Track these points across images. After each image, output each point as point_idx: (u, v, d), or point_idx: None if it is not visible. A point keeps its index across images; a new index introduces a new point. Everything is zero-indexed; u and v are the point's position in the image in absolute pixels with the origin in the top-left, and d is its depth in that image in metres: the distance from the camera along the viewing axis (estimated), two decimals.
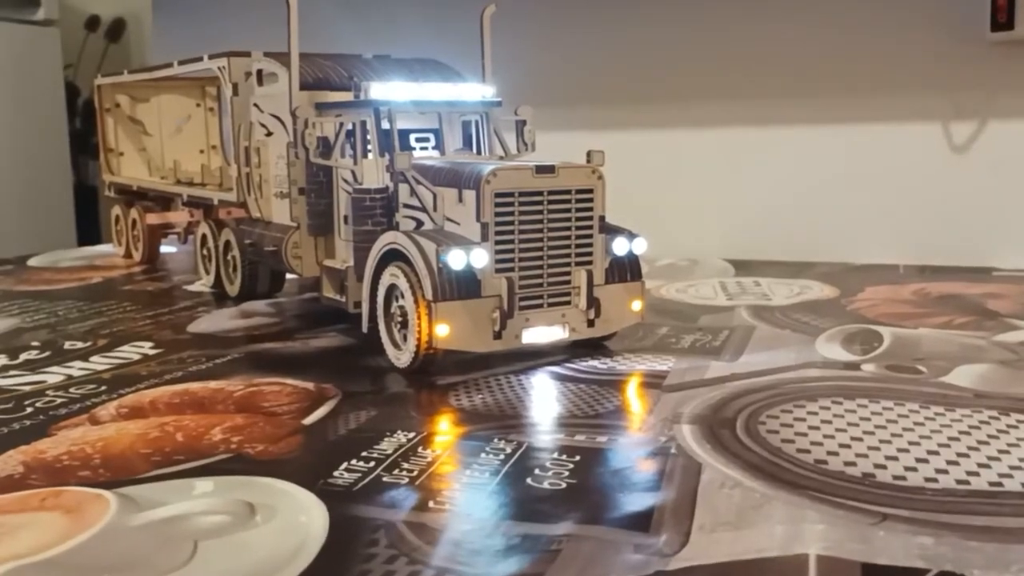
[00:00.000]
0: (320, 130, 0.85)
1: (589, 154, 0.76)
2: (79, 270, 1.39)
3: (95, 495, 0.51)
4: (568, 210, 0.75)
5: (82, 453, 0.58)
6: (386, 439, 0.59)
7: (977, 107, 1.28)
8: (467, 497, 0.50)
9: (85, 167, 2.27)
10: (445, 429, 0.61)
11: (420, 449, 0.57)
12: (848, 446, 0.57)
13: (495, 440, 0.59)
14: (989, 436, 0.58)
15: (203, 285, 1.16)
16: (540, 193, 0.73)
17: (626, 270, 0.78)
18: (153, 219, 1.32)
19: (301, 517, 0.48)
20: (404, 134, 0.85)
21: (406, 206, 0.80)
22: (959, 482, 0.51)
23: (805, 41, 1.35)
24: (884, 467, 0.53)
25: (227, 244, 1.09)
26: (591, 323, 0.76)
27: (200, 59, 1.12)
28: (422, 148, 0.88)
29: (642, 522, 0.47)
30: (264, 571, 0.42)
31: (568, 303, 0.75)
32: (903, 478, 0.52)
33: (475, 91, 0.88)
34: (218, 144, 1.48)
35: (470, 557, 0.43)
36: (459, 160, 0.81)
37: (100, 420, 0.65)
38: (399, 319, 0.74)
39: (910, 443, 0.57)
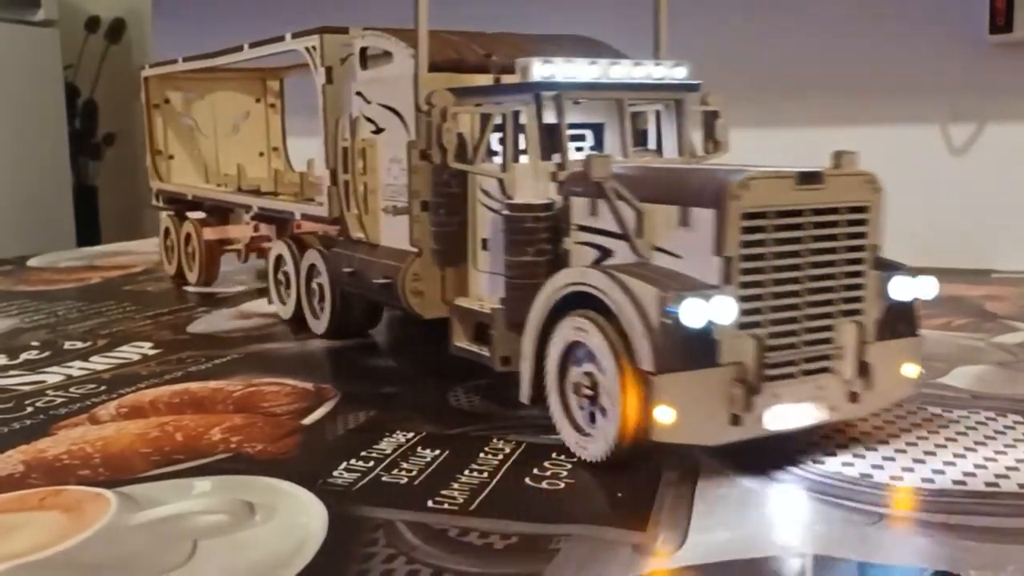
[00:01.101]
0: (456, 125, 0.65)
1: (838, 156, 0.55)
2: (79, 270, 1.39)
3: (95, 494, 0.51)
4: (835, 236, 0.54)
5: (82, 452, 0.58)
6: (385, 439, 0.59)
7: (976, 109, 1.29)
8: (466, 497, 0.50)
9: (85, 168, 2.27)
10: (444, 429, 0.62)
11: (419, 449, 0.58)
12: (845, 447, 0.57)
13: (494, 440, 0.59)
14: (986, 437, 0.58)
15: (279, 313, 0.97)
16: (800, 213, 0.52)
17: (901, 321, 0.57)
18: (211, 234, 1.15)
19: (300, 517, 0.48)
20: (550, 131, 0.63)
21: (583, 228, 0.59)
22: (956, 483, 0.51)
23: (802, 43, 1.36)
24: (881, 467, 0.53)
25: (312, 269, 0.89)
26: (855, 397, 0.55)
27: (280, 39, 0.92)
28: (577, 149, 0.68)
29: (640, 521, 0.47)
30: (263, 570, 0.43)
31: (827, 370, 0.54)
32: (900, 478, 0.52)
33: (663, 72, 0.67)
34: (280, 146, 1.32)
35: (469, 556, 0.44)
36: (677, 166, 0.63)
37: (100, 420, 0.65)
38: (586, 391, 0.54)
39: (907, 444, 0.57)
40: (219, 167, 1.27)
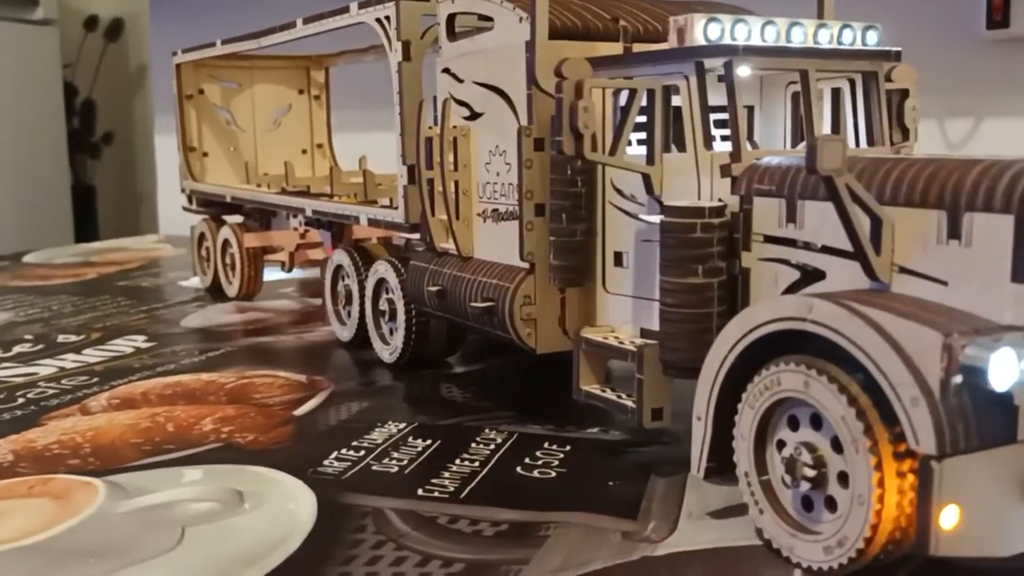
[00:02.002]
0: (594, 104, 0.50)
1: None
2: (74, 266, 1.39)
3: (84, 482, 0.51)
4: None
5: (72, 442, 0.58)
6: (377, 429, 0.59)
7: (973, 104, 1.28)
8: (456, 485, 0.50)
9: (83, 166, 2.27)
10: (436, 419, 0.61)
11: (411, 439, 0.57)
12: None
13: (486, 430, 0.59)
14: None
15: (342, 336, 0.83)
16: None
17: None
18: (252, 241, 1.01)
19: (289, 504, 0.48)
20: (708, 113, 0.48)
21: (771, 239, 0.45)
22: None
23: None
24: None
25: (380, 284, 0.75)
26: None
27: (345, 10, 0.77)
28: (722, 139, 0.50)
29: (631, 509, 0.47)
30: (251, 556, 0.42)
31: None
32: None
33: (853, 35, 0.53)
34: (325, 142, 1.19)
35: (458, 542, 0.43)
36: (927, 156, 0.42)
37: (91, 411, 0.65)
38: (807, 471, 0.39)
39: None
40: (258, 166, 1.15)
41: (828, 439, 0.39)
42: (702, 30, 0.47)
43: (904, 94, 0.57)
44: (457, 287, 0.62)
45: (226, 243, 1.06)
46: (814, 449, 0.39)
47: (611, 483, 0.50)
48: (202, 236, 1.12)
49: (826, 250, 0.43)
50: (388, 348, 0.75)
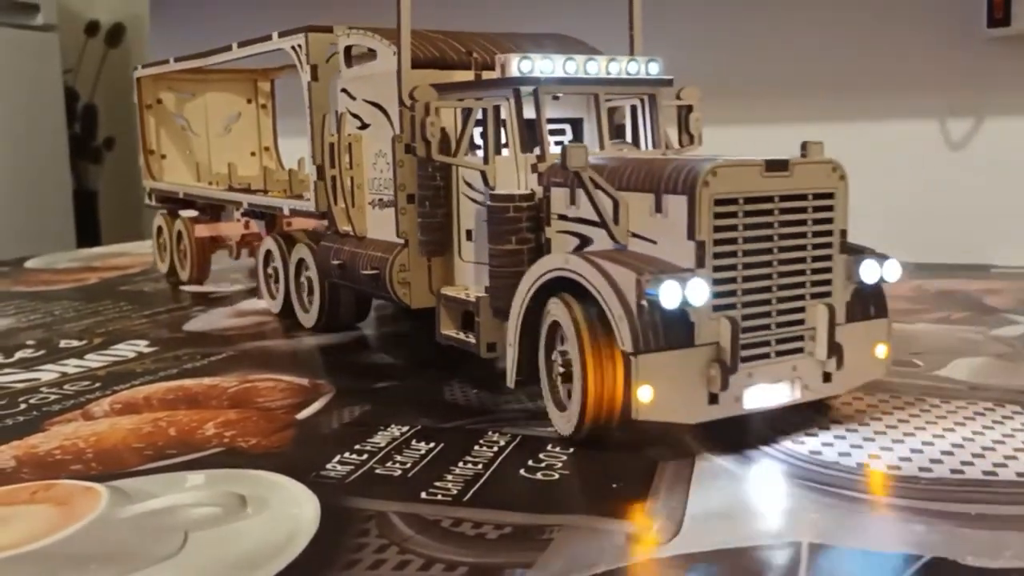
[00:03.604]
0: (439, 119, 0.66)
1: (805, 146, 0.57)
2: (76, 271, 1.39)
3: (86, 488, 0.51)
4: (803, 222, 0.55)
5: (74, 448, 0.58)
6: (379, 433, 0.59)
7: (974, 104, 1.28)
8: (459, 488, 0.50)
9: (85, 172, 2.27)
10: (439, 422, 0.61)
11: (413, 442, 0.57)
12: (843, 437, 0.56)
13: (489, 433, 0.58)
14: (984, 427, 0.58)
15: (268, 308, 0.99)
16: (771, 199, 0.54)
17: (870, 303, 0.59)
18: (202, 231, 1.16)
19: (292, 508, 0.48)
20: (530, 124, 0.64)
21: (562, 217, 0.61)
22: (953, 472, 0.51)
23: (800, 38, 1.35)
24: (878, 457, 0.53)
25: (300, 263, 0.91)
26: (828, 377, 0.57)
27: (267, 38, 0.92)
28: (556, 143, 0.67)
29: (634, 511, 0.46)
30: (254, 561, 0.42)
31: (800, 350, 0.56)
32: (898, 468, 0.51)
33: (637, 67, 0.68)
34: (271, 145, 1.33)
35: (461, 546, 0.43)
36: (651, 156, 0.62)
37: (93, 416, 0.64)
38: (560, 370, 0.56)
39: (905, 435, 0.57)
40: (211, 166, 1.28)
41: (571, 348, 0.54)
42: (516, 65, 0.63)
43: (689, 109, 0.73)
44: (354, 260, 0.78)
45: (180, 234, 1.21)
46: (566, 354, 0.55)
47: (615, 485, 0.50)
48: (160, 228, 1.27)
49: (590, 223, 0.59)
50: (308, 316, 0.90)
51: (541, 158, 0.63)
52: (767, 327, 0.55)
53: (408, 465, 0.53)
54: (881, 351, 0.60)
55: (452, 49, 0.74)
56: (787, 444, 0.55)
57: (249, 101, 1.33)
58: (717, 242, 0.53)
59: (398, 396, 0.69)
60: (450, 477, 0.51)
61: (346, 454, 0.55)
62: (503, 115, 0.65)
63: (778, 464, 0.52)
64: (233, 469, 0.54)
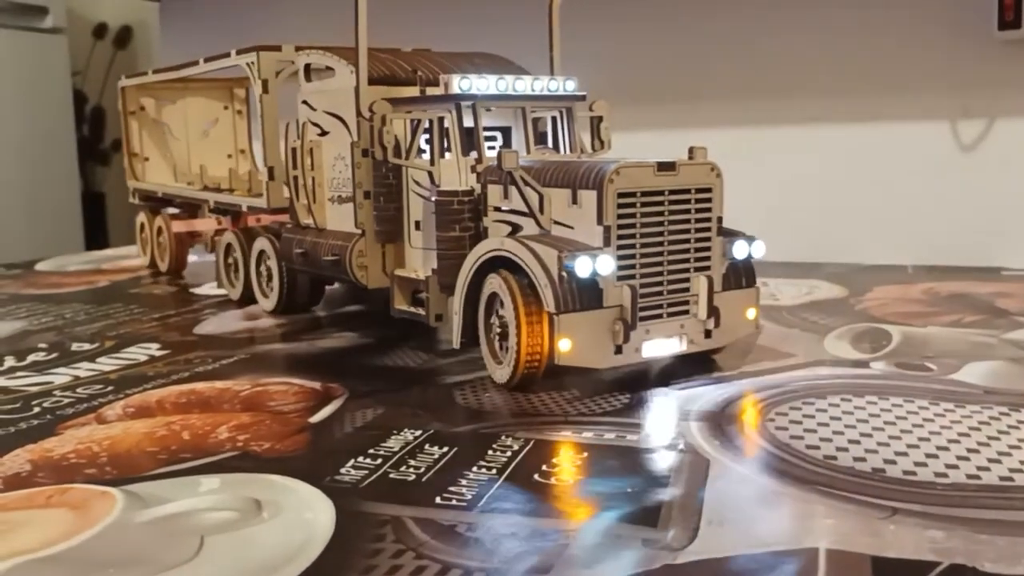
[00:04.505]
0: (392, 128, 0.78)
1: (692, 150, 0.70)
2: (86, 274, 1.39)
3: (101, 492, 0.51)
4: (688, 211, 0.69)
5: (88, 452, 0.58)
6: (393, 436, 0.59)
7: (985, 105, 1.28)
8: (474, 493, 0.50)
9: (93, 174, 2.28)
10: (452, 427, 0.61)
11: (427, 446, 0.57)
12: (858, 442, 0.56)
13: (503, 437, 0.58)
14: (999, 432, 0.58)
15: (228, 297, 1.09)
16: (661, 193, 0.68)
17: (742, 275, 0.73)
18: (179, 227, 1.27)
19: (307, 513, 0.48)
20: (468, 132, 0.77)
21: (496, 209, 0.73)
22: (970, 477, 0.51)
23: (810, 40, 1.35)
24: (894, 462, 0.53)
25: (261, 254, 1.02)
26: (708, 334, 0.71)
27: (227, 55, 1.05)
28: (490, 148, 0.80)
29: (650, 517, 0.46)
30: (270, 566, 0.42)
31: (687, 312, 0.70)
32: (913, 473, 0.51)
33: (557, 85, 0.82)
34: (247, 148, 1.42)
35: (477, 552, 0.43)
36: (568, 159, 0.76)
37: (107, 419, 0.65)
38: (498, 331, 0.70)
39: (920, 439, 0.57)
40: (190, 168, 1.36)
41: (507, 313, 0.67)
42: (458, 83, 0.76)
43: (600, 119, 0.86)
44: (315, 249, 0.89)
45: (159, 229, 1.34)
46: (503, 319, 0.68)
47: (630, 490, 0.50)
48: (142, 225, 1.40)
49: (520, 213, 0.71)
50: (268, 301, 1.01)
51: (479, 160, 0.76)
52: (660, 293, 0.69)
53: (422, 470, 0.53)
54: (751, 313, 0.74)
55: (400, 68, 0.86)
56: (801, 448, 0.55)
57: (226, 107, 1.42)
58: (620, 227, 0.66)
59: (411, 399, 0.69)
60: (464, 482, 0.51)
61: (360, 458, 0.55)
62: (446, 124, 0.76)
63: (793, 469, 0.52)
64: (247, 473, 0.54)
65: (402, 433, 0.60)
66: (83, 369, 0.78)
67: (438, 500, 0.49)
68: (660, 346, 0.69)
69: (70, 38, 2.10)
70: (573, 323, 0.65)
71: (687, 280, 0.70)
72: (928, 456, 0.54)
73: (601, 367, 0.68)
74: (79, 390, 0.72)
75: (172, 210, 1.33)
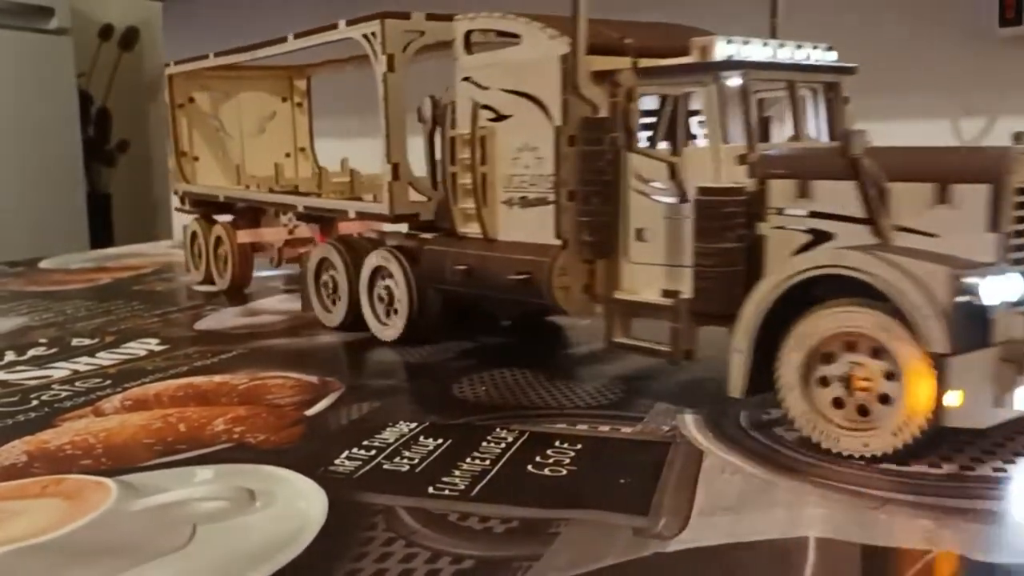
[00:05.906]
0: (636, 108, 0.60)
1: (1018, 136, 0.55)
2: (89, 271, 1.40)
3: (96, 482, 0.51)
4: None
5: (85, 443, 0.58)
6: (388, 429, 0.59)
7: (987, 103, 1.28)
8: (467, 483, 0.50)
9: (98, 174, 2.29)
10: (447, 419, 0.61)
11: (421, 438, 0.57)
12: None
13: (497, 429, 0.58)
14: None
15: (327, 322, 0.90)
16: None
17: None
18: (245, 237, 1.09)
19: (300, 503, 0.48)
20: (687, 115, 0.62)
21: (780, 212, 0.56)
22: (963, 468, 0.51)
23: (811, 38, 1.35)
24: (886, 453, 0.53)
25: (377, 272, 0.83)
26: None
27: (333, 27, 0.85)
28: (702, 136, 0.64)
29: (641, 506, 0.46)
30: (262, 553, 0.42)
31: None
32: (906, 464, 0.51)
33: (819, 54, 0.65)
34: (307, 146, 1.27)
35: (468, 539, 0.43)
36: (929, 147, 0.57)
37: (104, 412, 0.65)
38: (863, 383, 0.51)
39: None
40: (245, 168, 1.22)
41: (872, 357, 0.50)
42: (722, 49, 0.58)
43: (846, 100, 0.69)
44: (487, 264, 0.71)
45: (219, 240, 1.13)
46: (863, 367, 0.50)
47: (622, 480, 0.50)
48: (194, 235, 1.18)
49: (831, 217, 0.54)
50: (388, 328, 0.82)
51: (750, 148, 0.57)
52: None
53: (416, 461, 0.53)
54: None
55: (605, 35, 0.66)
56: (794, 439, 0.55)
57: (284, 100, 1.26)
58: (1018, 234, 0.49)
59: (407, 393, 0.69)
60: (458, 472, 0.51)
61: (354, 450, 0.55)
62: (709, 102, 0.58)
63: (784, 459, 0.52)
64: (242, 464, 0.54)
65: (397, 425, 0.60)
66: (82, 364, 0.79)
67: (431, 490, 0.49)
68: None
69: (76, 39, 2.11)
70: (967, 369, 0.48)
71: None
72: (922, 448, 0.53)
73: (983, 427, 0.50)
74: (78, 384, 0.72)
75: (221, 216, 1.15)
